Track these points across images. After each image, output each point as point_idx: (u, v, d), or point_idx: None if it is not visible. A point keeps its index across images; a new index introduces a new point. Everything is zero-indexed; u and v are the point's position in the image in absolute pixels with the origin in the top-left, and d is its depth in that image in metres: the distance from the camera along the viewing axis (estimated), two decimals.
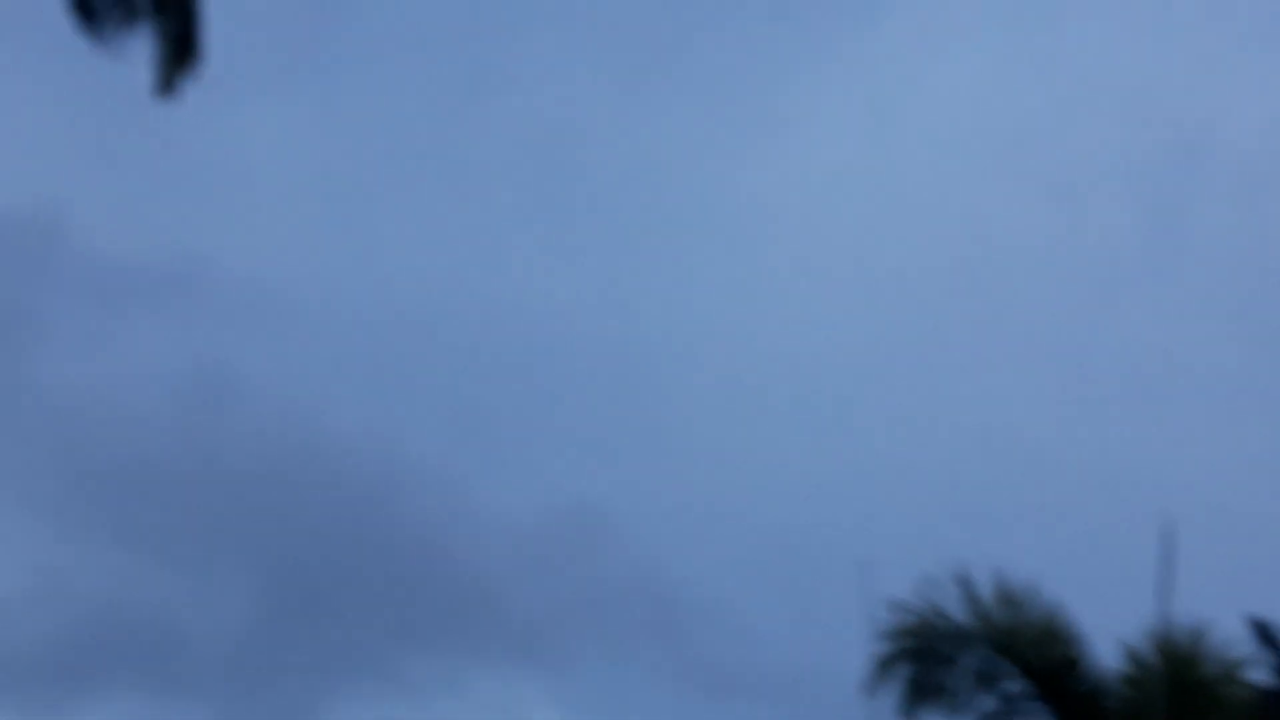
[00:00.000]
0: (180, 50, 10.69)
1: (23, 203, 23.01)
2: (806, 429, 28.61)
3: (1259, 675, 12.52)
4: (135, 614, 26.32)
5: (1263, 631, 12.78)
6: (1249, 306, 28.61)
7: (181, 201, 29.15)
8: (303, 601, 27.00)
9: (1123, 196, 30.29)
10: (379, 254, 29.80)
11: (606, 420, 29.03)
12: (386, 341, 28.92)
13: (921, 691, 12.43)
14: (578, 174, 30.60)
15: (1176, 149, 29.95)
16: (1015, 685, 12.40)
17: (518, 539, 26.68)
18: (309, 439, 27.16)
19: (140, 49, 10.81)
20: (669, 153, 30.56)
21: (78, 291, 28.20)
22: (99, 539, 27.07)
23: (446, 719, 25.57)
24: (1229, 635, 12.26)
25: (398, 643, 26.23)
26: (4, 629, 24.73)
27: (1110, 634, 12.17)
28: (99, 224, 27.37)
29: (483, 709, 25.46)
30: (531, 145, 30.74)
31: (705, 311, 29.60)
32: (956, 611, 12.46)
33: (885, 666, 12.51)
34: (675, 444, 29.03)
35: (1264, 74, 30.04)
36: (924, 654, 12.46)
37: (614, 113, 31.28)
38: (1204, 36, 30.51)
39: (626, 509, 26.93)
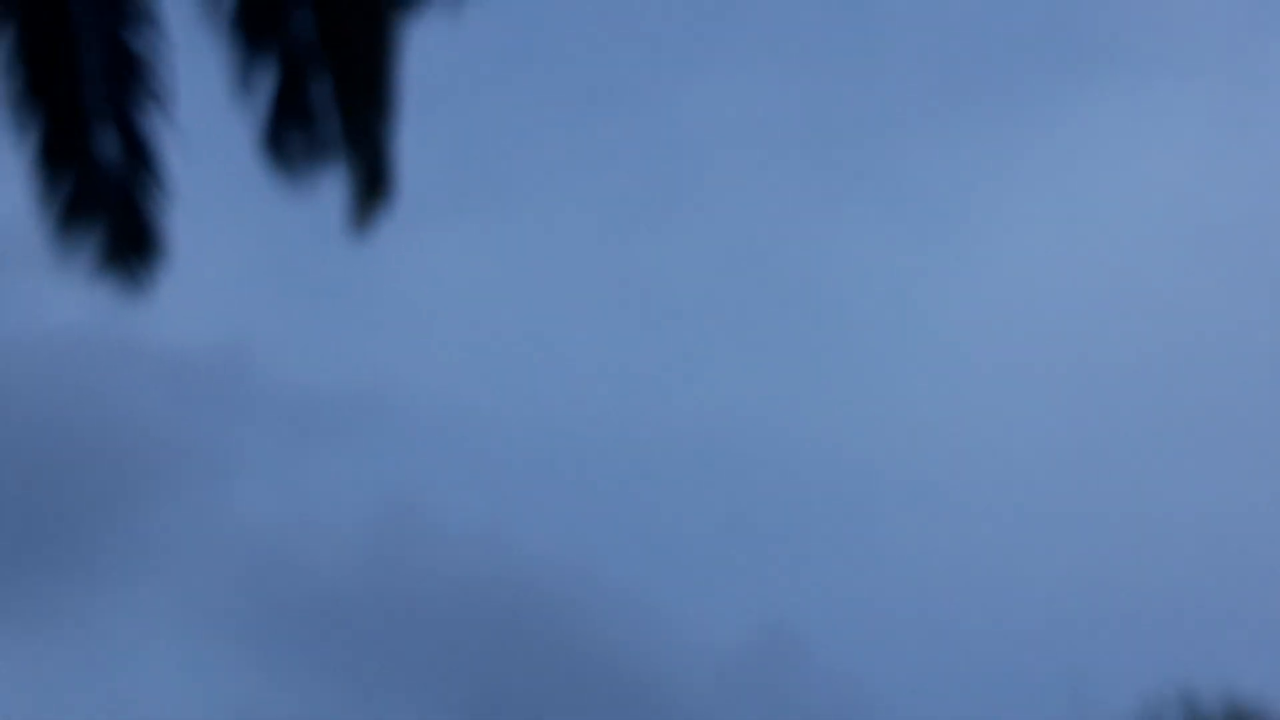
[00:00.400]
0: (372, 185, 10.55)
1: (212, 338, 23.32)
2: (1009, 534, 27.80)
3: None
4: None
5: None
6: None
7: (368, 331, 29.37)
8: None
9: None
10: (566, 378, 29.69)
11: (802, 537, 28.53)
12: (576, 466, 28.72)
13: None
14: (764, 289, 30.27)
15: None
16: None
17: (716, 663, 26.27)
18: (500, 566, 27.05)
19: (331, 184, 10.73)
20: (855, 261, 30.11)
21: (267, 424, 28.54)
22: (293, 671, 27.16)
23: None
24: None
25: None
26: None
27: None
28: (287, 357, 27.65)
29: None
30: (717, 262, 30.51)
31: (898, 420, 28.95)
32: None
33: None
34: (871, 556, 28.37)
35: None
36: None
37: (799, 226, 30.95)
38: None
39: (824, 626, 26.37)
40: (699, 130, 30.73)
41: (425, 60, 10.44)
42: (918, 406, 29.09)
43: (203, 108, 11.44)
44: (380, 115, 10.45)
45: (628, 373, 29.99)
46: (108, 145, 11.19)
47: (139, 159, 11.24)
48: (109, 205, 11.31)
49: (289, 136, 10.65)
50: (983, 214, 30.21)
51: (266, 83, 10.57)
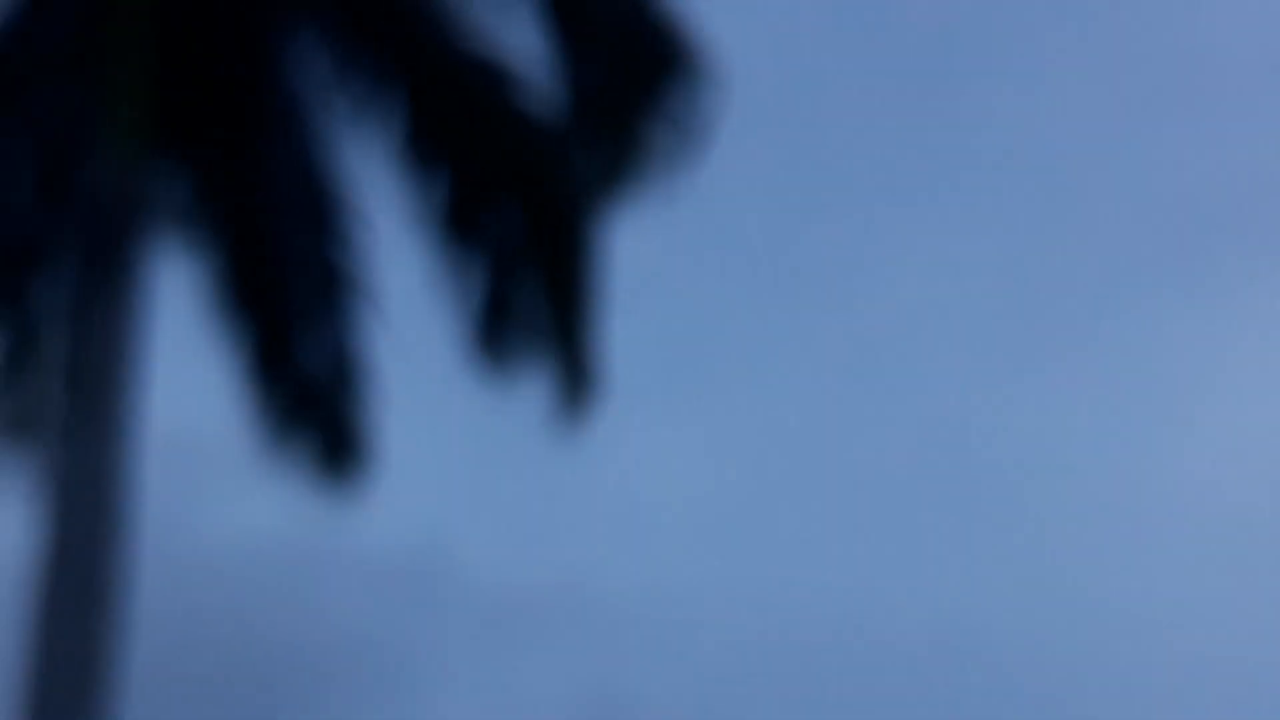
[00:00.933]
0: (578, 381, 10.59)
1: (412, 538, 23.51)
2: None
3: None
4: None
5: None
6: None
7: (572, 525, 29.50)
8: None
9: None
10: (772, 567, 29.47)
11: None
12: (785, 656, 28.40)
13: None
14: (969, 472, 29.95)
15: None
16: None
17: None
18: None
19: (535, 381, 10.78)
20: (1063, 442, 29.66)
21: (469, 624, 28.63)
22: None
23: None
24: None
25: None
26: None
27: None
28: (488, 555, 27.87)
29: None
30: (923, 445, 30.29)
31: (1118, 598, 28.23)
32: None
33: None
34: None
35: None
36: None
37: (1005, 404, 30.66)
38: None
39: None
40: (903, 311, 30.81)
41: (632, 250, 10.52)
42: (1119, 594, 28.49)
43: (409, 306, 11.63)
44: (587, 311, 10.50)
45: (836, 561, 29.75)
46: (315, 355, 11.36)
47: (346, 367, 11.35)
48: (318, 414, 11.41)
49: (496, 334, 10.74)
50: (1192, 392, 29.70)
51: (474, 282, 10.67)
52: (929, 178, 31.11)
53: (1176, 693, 27.30)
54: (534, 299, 10.66)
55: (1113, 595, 28.33)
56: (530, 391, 10.77)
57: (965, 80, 31.52)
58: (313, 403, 11.39)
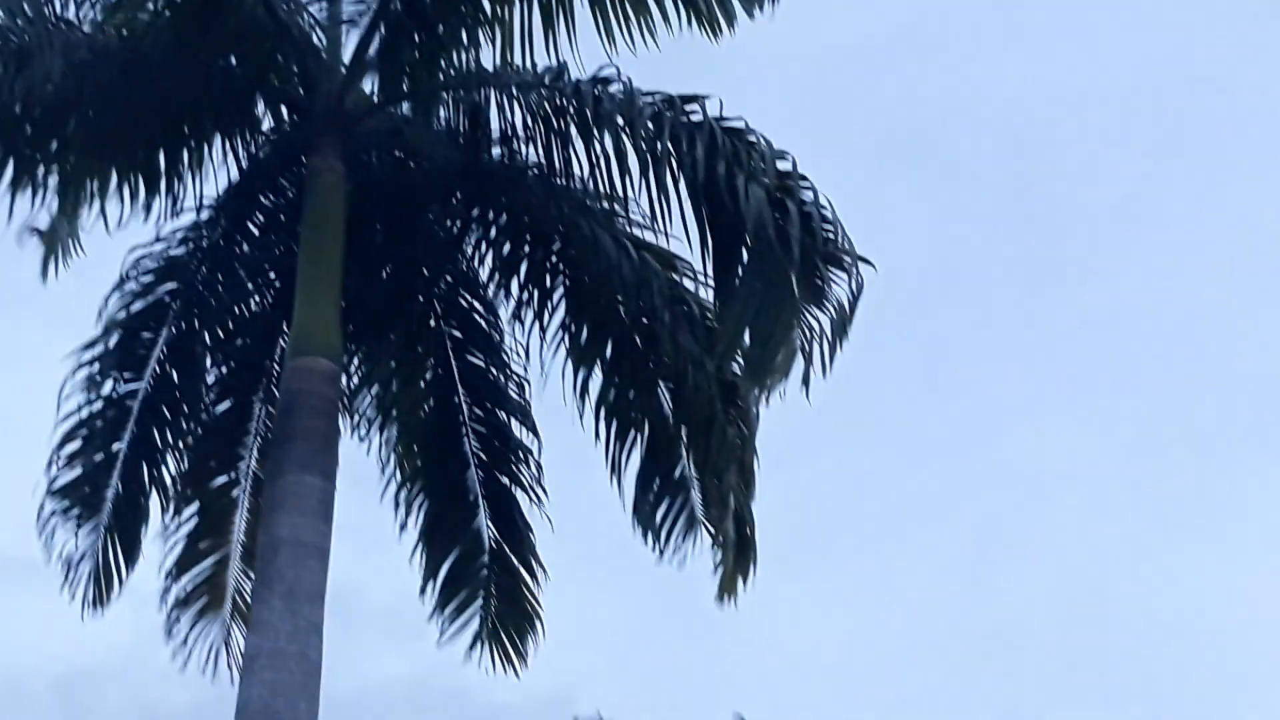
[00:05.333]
0: (737, 555, 10.87)
1: (542, 689, 23.93)
2: None
3: None
4: None
5: None
6: None
7: (697, 682, 29.59)
8: None
9: None
10: None
11: None
12: None
13: None
14: (1107, 629, 29.59)
15: None
16: None
17: None
18: None
19: (692, 547, 11.19)
20: (1201, 601, 29.26)
21: None
22: None
23: None
24: None
25: None
26: None
27: None
28: (616, 707, 28.08)
29: None
30: (1057, 603, 30.03)
31: None
32: None
33: None
34: None
35: None
36: None
37: (1138, 560, 30.36)
38: None
39: None
40: (1033, 472, 30.70)
41: (781, 423, 10.81)
42: None
43: (573, 479, 12.15)
44: (739, 486, 10.82)
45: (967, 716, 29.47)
46: (487, 526, 11.94)
47: (514, 538, 11.93)
48: (488, 582, 12.00)
49: (656, 507, 11.14)
50: None
51: (634, 459, 11.12)
52: (1072, 350, 31.18)
53: None
54: (690, 473, 11.07)
55: None
56: (684, 556, 11.22)
57: (1106, 254, 31.74)
58: (484, 569, 11.98)
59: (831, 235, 9.26)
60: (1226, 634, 29.09)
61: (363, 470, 11.98)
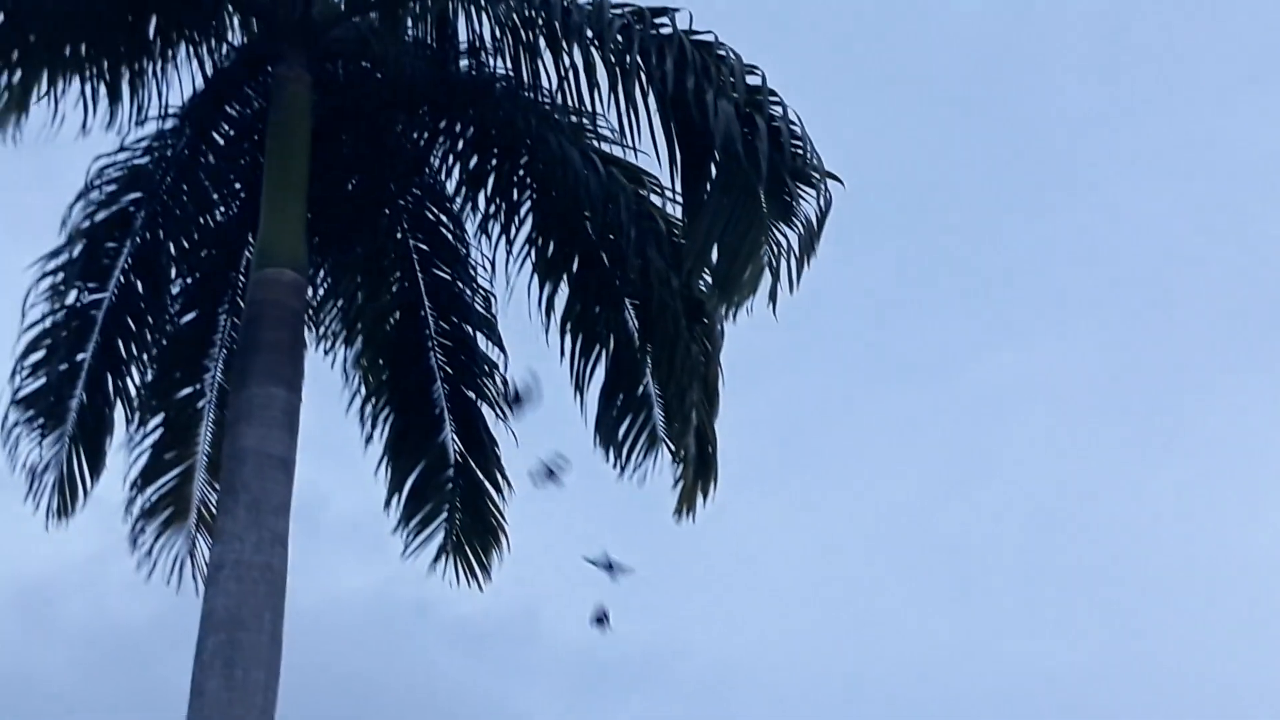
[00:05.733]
0: (698, 472, 10.93)
1: (506, 605, 24.09)
2: None
3: None
4: None
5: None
6: None
7: (658, 594, 29.85)
8: None
9: None
10: (861, 635, 29.59)
11: None
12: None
13: None
14: (1067, 549, 29.91)
15: None
16: None
17: None
18: None
19: (651, 462, 11.21)
20: (1169, 519, 29.57)
21: (555, 685, 29.16)
22: None
23: None
24: None
25: None
26: None
27: None
28: (578, 620, 28.34)
29: None
30: (1021, 522, 30.34)
31: (1202, 678, 28.01)
32: None
33: None
34: None
35: None
36: None
37: (1101, 483, 30.64)
38: None
39: None
40: (1005, 394, 30.93)
41: (749, 341, 10.82)
42: (1220, 670, 28.19)
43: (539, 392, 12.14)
44: (702, 403, 10.85)
45: (926, 632, 29.78)
46: (452, 440, 11.96)
47: (479, 452, 11.95)
48: (452, 496, 12.03)
49: (619, 423, 11.17)
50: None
51: (598, 375, 11.14)
52: (1042, 269, 31.33)
53: None
54: (654, 390, 11.09)
55: (1195, 665, 28.15)
56: (646, 471, 11.26)
57: (1081, 177, 31.80)
58: (449, 482, 12.01)
59: (800, 151, 9.24)
60: (1187, 550, 29.45)
61: (328, 383, 11.99)
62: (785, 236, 9.11)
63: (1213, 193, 30.71)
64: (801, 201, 9.18)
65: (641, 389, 11.11)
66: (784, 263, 9.05)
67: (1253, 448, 30.03)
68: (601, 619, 11.87)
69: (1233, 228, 30.44)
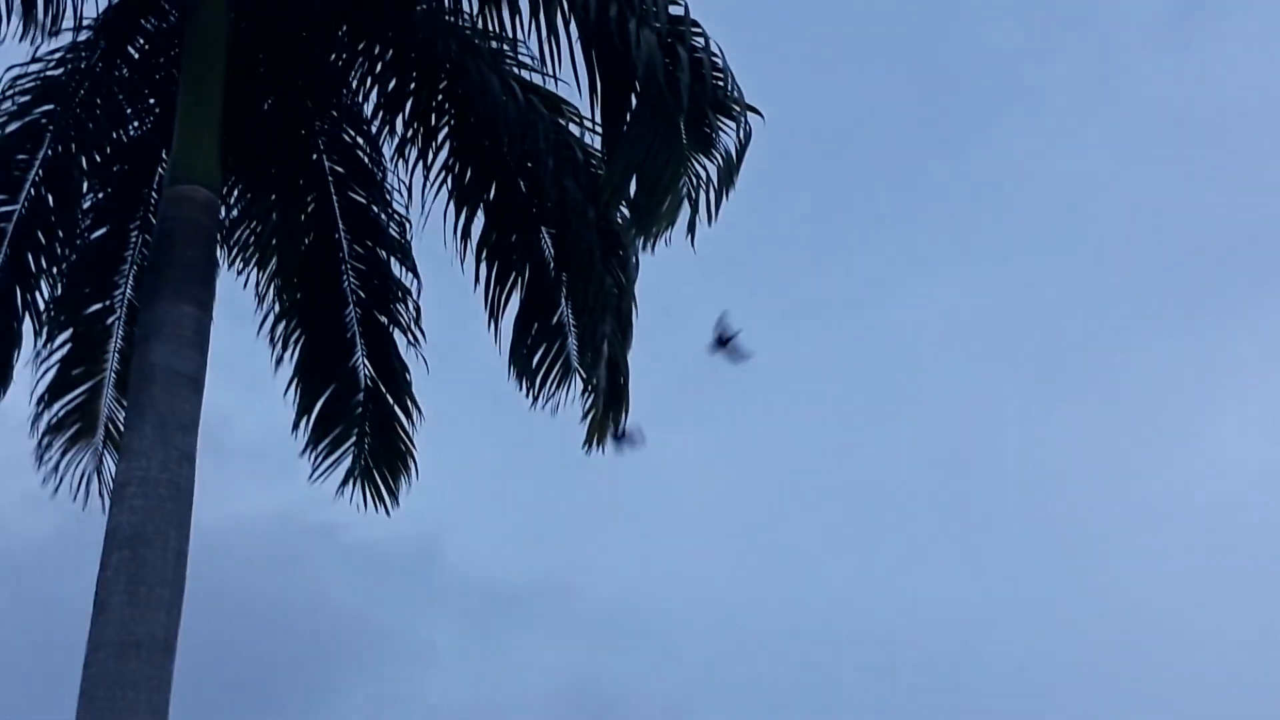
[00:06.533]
0: (609, 404, 10.95)
1: (409, 531, 24.16)
2: None
3: None
4: None
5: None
6: None
7: (576, 528, 30.02)
8: None
9: None
10: (770, 570, 29.92)
11: None
12: (772, 657, 28.90)
13: None
14: (974, 483, 30.34)
15: None
16: None
17: None
18: None
19: (564, 393, 11.23)
20: (1060, 455, 30.05)
21: (458, 613, 29.33)
22: None
23: None
24: None
25: None
26: None
27: None
28: (489, 551, 28.48)
29: None
30: (931, 458, 30.72)
31: (1102, 619, 28.58)
32: None
33: None
34: None
35: None
36: None
37: (1008, 421, 31.07)
38: None
39: None
40: (915, 335, 31.28)
41: (666, 276, 10.83)
42: (1113, 603, 28.73)
43: (451, 321, 12.13)
44: (616, 335, 10.85)
45: (833, 568, 30.15)
46: (363, 365, 11.91)
47: (391, 377, 11.92)
48: (362, 420, 12.01)
49: (533, 353, 11.17)
50: (1184, 410, 30.12)
51: (513, 304, 11.13)
52: (954, 211, 31.62)
53: (1162, 698, 27.71)
54: (569, 320, 11.09)
55: (1109, 605, 28.69)
56: (559, 403, 11.27)
57: (995, 121, 32.03)
58: (358, 407, 11.98)
59: (721, 84, 9.24)
60: (1089, 491, 29.95)
61: (239, 304, 11.90)
62: (704, 168, 9.11)
63: (1124, 145, 31.05)
64: (721, 134, 9.19)
65: (556, 319, 11.11)
66: (702, 195, 9.06)
67: (1155, 393, 30.57)
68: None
69: (1140, 180, 30.83)
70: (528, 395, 11.17)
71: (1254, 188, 30.74)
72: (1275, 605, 28.95)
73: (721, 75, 9.27)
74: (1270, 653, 27.96)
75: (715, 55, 9.28)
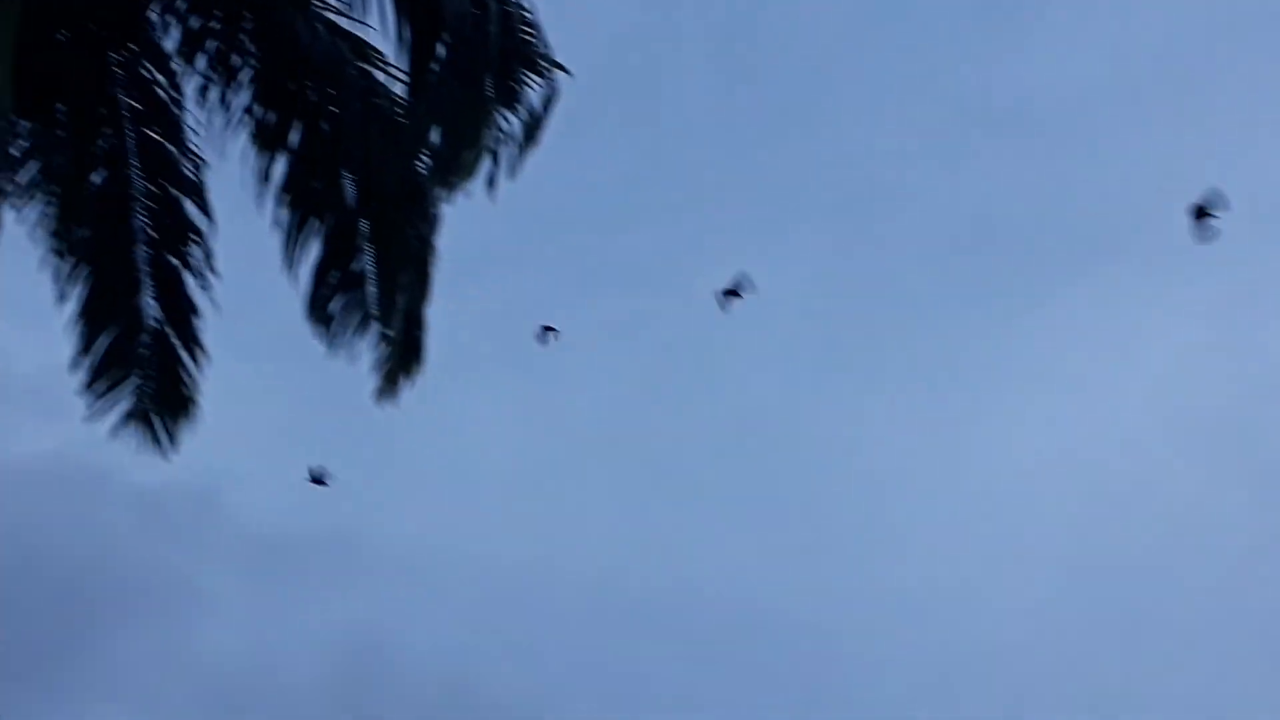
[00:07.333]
0: (404, 356, 10.88)
1: (189, 478, 23.87)
2: (1006, 711, 27.98)
3: None
4: None
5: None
6: None
7: (359, 480, 29.84)
8: None
9: None
10: (559, 533, 30.05)
11: (791, 700, 28.64)
12: (555, 615, 29.08)
13: None
14: (768, 461, 30.74)
15: None
16: None
17: None
18: (461, 699, 27.51)
19: (358, 343, 11.11)
20: (864, 433, 30.58)
21: (237, 562, 29.05)
22: None
23: None
24: None
25: None
26: None
27: None
28: (265, 500, 28.24)
29: None
30: (728, 433, 31.05)
31: (899, 591, 29.23)
32: None
33: None
34: None
35: None
36: None
37: (810, 399, 31.53)
38: None
39: None
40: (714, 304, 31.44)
41: (475, 233, 10.77)
42: (901, 581, 29.37)
43: (243, 264, 11.91)
44: (415, 286, 10.79)
45: (626, 531, 30.33)
46: (150, 305, 11.64)
47: (178, 319, 11.68)
48: (146, 362, 11.73)
49: (330, 301, 11.03)
50: (980, 394, 30.81)
51: (308, 247, 10.96)
52: (770, 185, 31.94)
53: (945, 661, 28.50)
54: (368, 269, 10.97)
55: (900, 575, 29.36)
56: (354, 353, 11.14)
57: (817, 98, 32.42)
58: (143, 350, 11.71)
59: (530, 38, 9.22)
60: (893, 467, 30.51)
61: (17, 237, 11.52)
62: (509, 122, 9.09)
63: (936, 128, 31.64)
64: (528, 89, 9.17)
65: (355, 267, 10.97)
66: (505, 150, 9.04)
67: (959, 376, 31.24)
68: (319, 479, 11.85)
69: (950, 163, 31.45)
70: (324, 343, 11.03)
71: (1062, 180, 31.59)
72: (1054, 578, 29.83)
73: (531, 30, 9.25)
74: (1047, 622, 28.86)
75: (526, 10, 9.26)
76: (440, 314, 11.19)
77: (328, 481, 11.60)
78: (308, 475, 11.46)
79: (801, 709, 27.95)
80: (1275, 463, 29.63)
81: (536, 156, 9.45)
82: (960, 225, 31.54)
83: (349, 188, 10.81)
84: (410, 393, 11.17)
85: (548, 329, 11.57)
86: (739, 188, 31.52)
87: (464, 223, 10.68)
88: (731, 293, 11.74)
